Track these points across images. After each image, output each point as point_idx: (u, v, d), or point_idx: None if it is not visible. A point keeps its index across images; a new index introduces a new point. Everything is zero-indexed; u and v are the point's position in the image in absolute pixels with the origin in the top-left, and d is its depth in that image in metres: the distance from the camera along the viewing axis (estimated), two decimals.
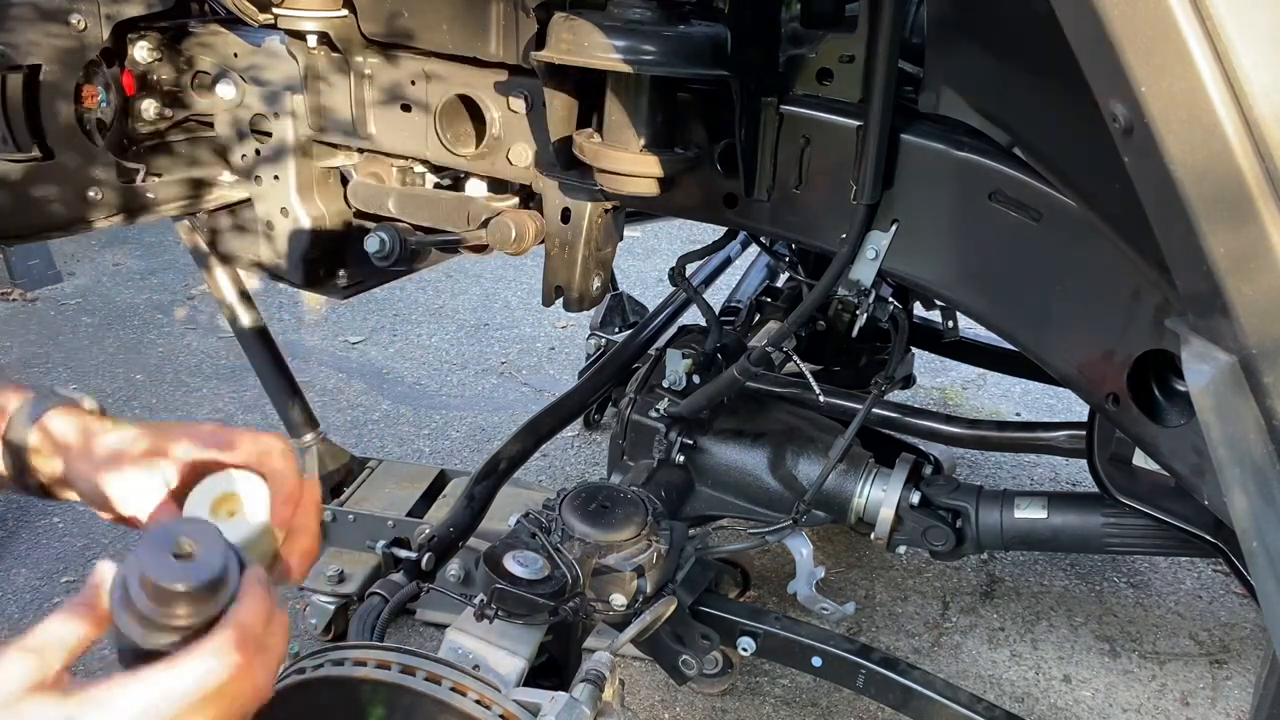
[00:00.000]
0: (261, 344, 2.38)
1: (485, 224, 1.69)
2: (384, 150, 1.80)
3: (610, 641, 1.54)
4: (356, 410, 3.42)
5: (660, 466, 2.00)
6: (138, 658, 0.70)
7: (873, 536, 1.94)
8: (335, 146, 1.85)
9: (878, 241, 1.43)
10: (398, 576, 1.77)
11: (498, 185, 1.77)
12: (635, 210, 1.79)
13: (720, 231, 2.17)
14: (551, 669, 1.74)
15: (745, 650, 1.81)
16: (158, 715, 0.68)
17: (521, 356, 3.83)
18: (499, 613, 1.53)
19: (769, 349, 1.73)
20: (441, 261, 1.99)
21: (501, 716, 1.30)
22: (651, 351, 2.26)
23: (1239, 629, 2.49)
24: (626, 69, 1.32)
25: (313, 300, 4.09)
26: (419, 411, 3.42)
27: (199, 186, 1.93)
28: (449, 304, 4.24)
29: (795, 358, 1.80)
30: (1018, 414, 3.45)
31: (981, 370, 3.45)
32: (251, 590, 0.75)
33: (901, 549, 1.96)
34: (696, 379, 2.06)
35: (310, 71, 1.77)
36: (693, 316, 2.47)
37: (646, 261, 4.57)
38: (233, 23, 1.82)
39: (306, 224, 1.86)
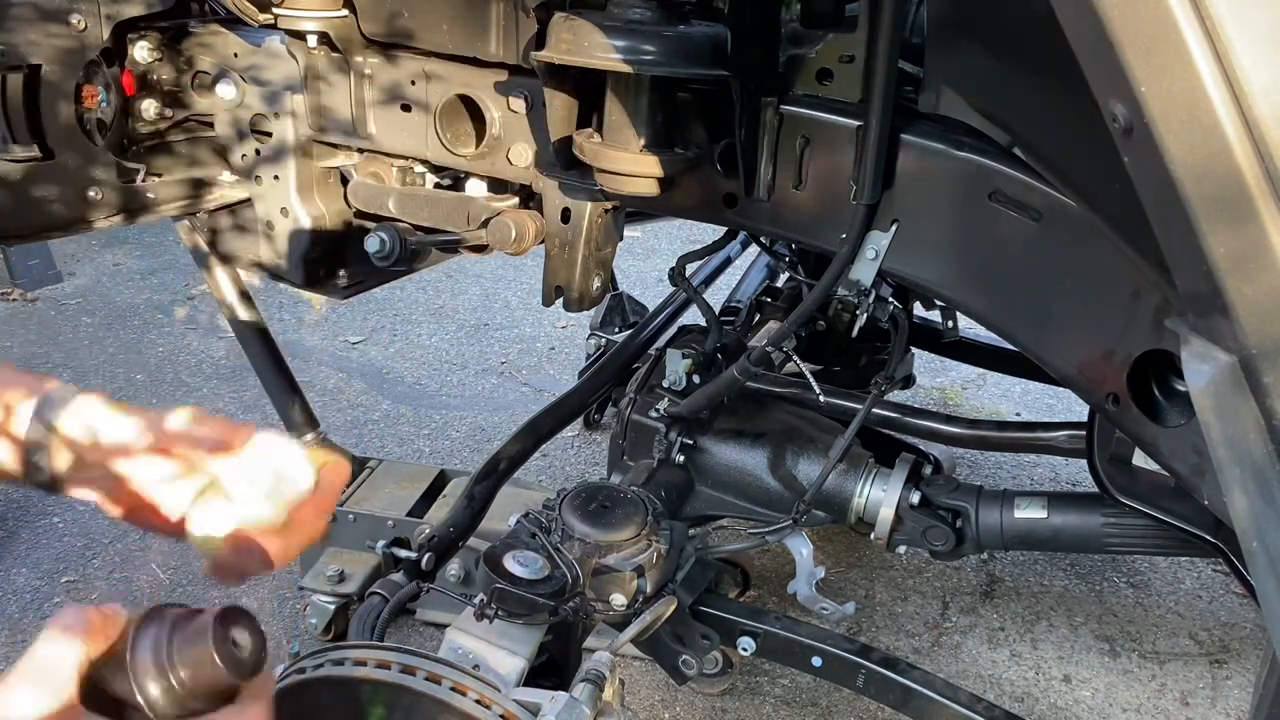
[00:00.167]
0: (261, 344, 2.38)
1: (485, 224, 1.69)
2: (384, 150, 1.80)
3: (610, 641, 1.54)
4: (356, 410, 3.42)
5: (660, 466, 2.00)
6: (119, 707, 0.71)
7: (873, 536, 1.94)
8: (335, 146, 1.85)
9: (878, 241, 1.43)
10: (398, 576, 1.77)
11: (498, 185, 1.77)
12: (635, 210, 1.79)
13: (720, 231, 2.17)
14: (551, 669, 1.74)
15: (745, 650, 1.81)
16: None
17: (521, 356, 3.83)
18: (499, 612, 1.53)
19: (769, 349, 1.73)
20: (441, 261, 2.00)
21: (501, 716, 1.30)
22: (651, 351, 2.26)
23: (1239, 629, 2.49)
24: (626, 69, 1.32)
25: (313, 300, 4.09)
26: (419, 411, 3.42)
27: (199, 186, 1.93)
28: (449, 304, 4.24)
29: (795, 358, 1.80)
30: (1018, 414, 3.45)
31: (981, 370, 3.45)
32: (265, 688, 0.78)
33: (901, 549, 1.96)
34: (696, 379, 2.06)
35: (310, 71, 1.77)
36: (693, 316, 2.47)
37: (646, 261, 4.57)
38: (233, 23, 1.82)
39: (306, 224, 1.86)
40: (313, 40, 1.69)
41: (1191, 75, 0.70)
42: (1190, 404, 0.87)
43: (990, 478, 3.07)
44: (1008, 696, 2.29)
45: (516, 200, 1.74)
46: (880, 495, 1.90)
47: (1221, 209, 0.74)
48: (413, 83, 1.71)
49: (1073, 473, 3.07)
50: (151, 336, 3.90)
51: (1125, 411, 1.22)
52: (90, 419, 0.87)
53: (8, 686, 0.68)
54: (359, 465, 2.57)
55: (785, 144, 1.46)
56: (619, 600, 1.57)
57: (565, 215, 1.61)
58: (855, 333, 1.77)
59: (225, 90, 1.83)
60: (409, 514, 2.38)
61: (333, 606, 2.32)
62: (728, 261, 2.83)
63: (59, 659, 0.69)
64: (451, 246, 1.78)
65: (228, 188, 1.95)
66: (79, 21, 1.65)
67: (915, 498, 1.89)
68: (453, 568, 2.10)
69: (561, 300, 1.67)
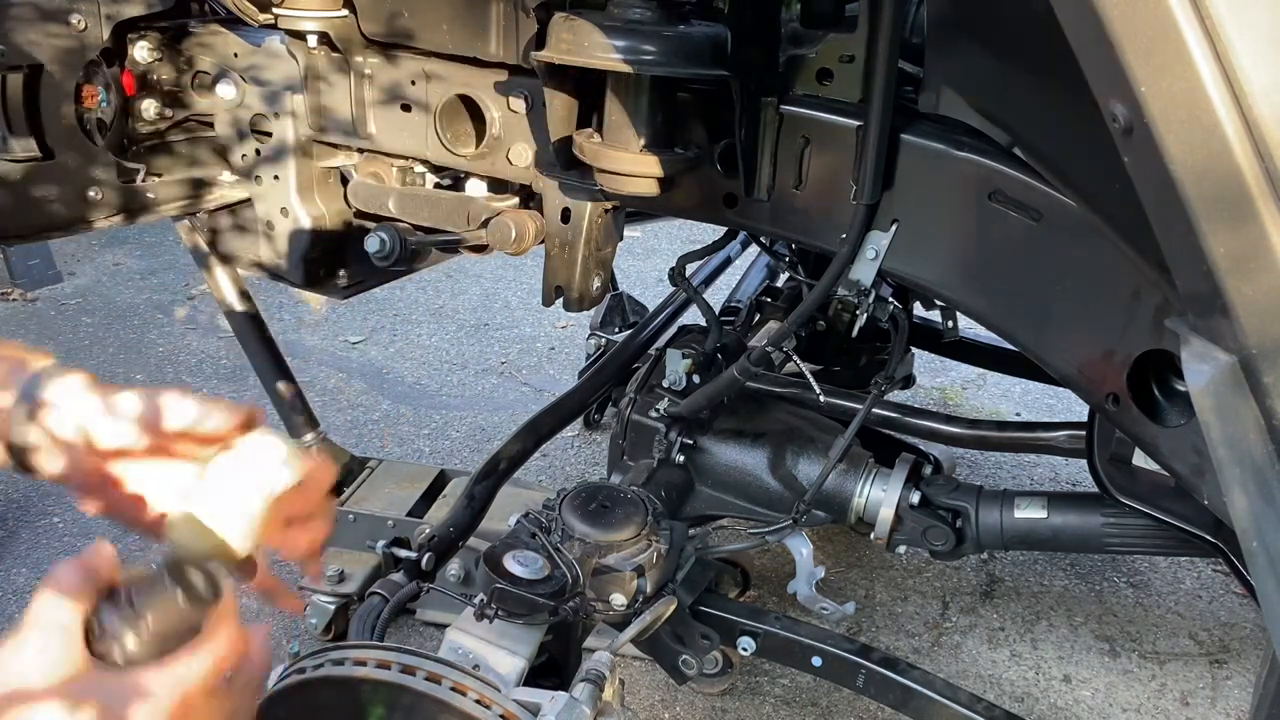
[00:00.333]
0: (261, 344, 2.38)
1: (485, 224, 1.69)
2: (384, 150, 1.80)
3: (610, 641, 1.54)
4: (356, 410, 3.42)
5: (660, 466, 2.00)
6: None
7: (873, 536, 1.94)
8: (335, 146, 1.85)
9: (878, 241, 1.43)
10: (398, 576, 1.77)
11: (498, 185, 1.77)
12: (635, 210, 1.79)
13: (720, 231, 2.17)
14: (551, 669, 1.74)
15: (745, 650, 1.81)
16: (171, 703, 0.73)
17: (521, 356, 3.83)
18: (499, 612, 1.53)
19: (769, 349, 1.73)
20: (441, 261, 1.99)
21: (501, 716, 1.30)
22: (651, 351, 2.26)
23: (1239, 629, 2.49)
24: (626, 69, 1.32)
25: (313, 300, 4.09)
26: (419, 411, 3.42)
27: (199, 186, 1.93)
28: (449, 304, 4.24)
29: (795, 358, 1.80)
30: (1018, 414, 3.45)
31: (981, 370, 3.45)
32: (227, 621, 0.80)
33: (901, 549, 1.96)
34: (696, 379, 2.06)
35: (310, 71, 1.77)
36: (693, 316, 2.47)
37: (646, 261, 4.57)
38: (233, 23, 1.82)
39: (306, 224, 1.86)
40: (313, 40, 1.69)
41: (1191, 75, 0.70)
42: (1190, 404, 0.87)
43: (990, 478, 3.07)
44: (1008, 696, 2.29)
45: (516, 200, 1.74)
46: (880, 495, 1.90)
47: (1221, 209, 0.74)
48: (413, 83, 1.71)
49: (1073, 473, 3.07)
50: (151, 336, 3.90)
51: (1125, 411, 1.22)
52: (76, 403, 0.86)
53: (15, 644, 0.71)
54: (359, 465, 2.57)
55: (785, 144, 1.46)
56: (619, 600, 1.57)
57: (565, 215, 1.61)
58: (855, 333, 1.77)
59: (225, 90, 1.83)
60: (409, 514, 2.38)
61: (333, 606, 2.32)
62: (728, 261, 2.83)
63: (62, 615, 0.72)
64: (451, 246, 1.78)
65: (228, 188, 1.95)
66: (79, 21, 1.65)
67: (915, 498, 1.89)
68: (453, 568, 2.10)
69: (561, 300, 1.67)
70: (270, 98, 1.81)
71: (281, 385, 2.41)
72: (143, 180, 1.84)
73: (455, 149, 1.71)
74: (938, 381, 3.63)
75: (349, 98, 1.76)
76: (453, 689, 1.30)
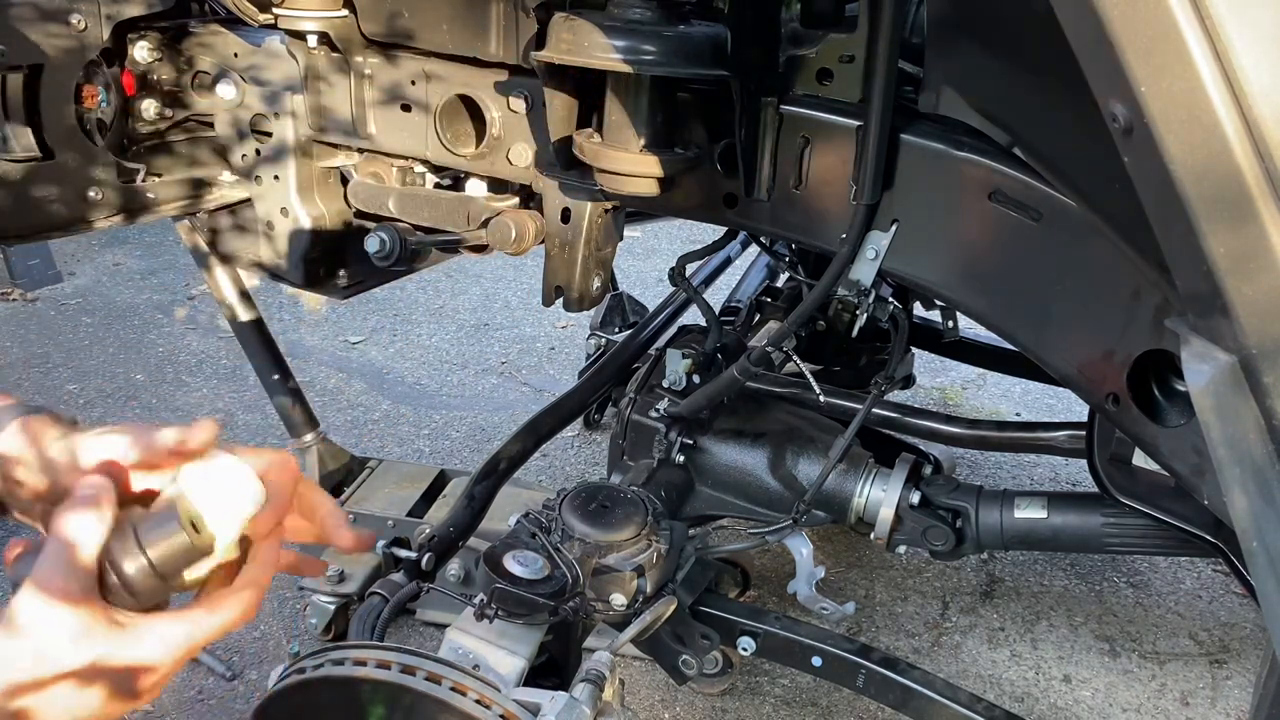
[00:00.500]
0: (261, 344, 2.38)
1: (485, 224, 1.69)
2: (384, 150, 1.80)
3: (610, 641, 1.54)
4: (356, 410, 3.42)
5: (660, 466, 2.00)
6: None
7: (873, 536, 1.94)
8: (335, 146, 1.85)
9: (878, 241, 1.43)
10: (398, 576, 1.77)
11: (498, 185, 1.77)
12: (635, 210, 1.79)
13: (720, 231, 2.17)
14: (551, 669, 1.74)
15: (745, 650, 1.81)
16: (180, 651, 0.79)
17: (521, 356, 3.83)
18: (499, 612, 1.53)
19: (769, 349, 1.73)
20: (441, 261, 1.99)
21: (501, 716, 1.30)
22: (651, 351, 2.26)
23: (1239, 629, 2.49)
24: (626, 69, 1.32)
25: (313, 300, 4.09)
26: (419, 411, 3.42)
27: (199, 186, 1.93)
28: (449, 304, 4.24)
29: (795, 358, 1.80)
30: (1018, 414, 3.45)
31: (981, 370, 3.45)
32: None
33: (901, 549, 1.96)
34: (696, 379, 2.06)
35: (310, 71, 1.77)
36: (693, 316, 2.47)
37: (646, 261, 4.57)
38: (233, 23, 1.82)
39: (306, 224, 1.86)
40: (313, 40, 1.69)
41: (1191, 75, 0.70)
42: (1190, 404, 0.87)
43: (990, 478, 3.07)
44: (1008, 696, 2.29)
45: (516, 200, 1.74)
46: (880, 495, 1.90)
47: (1221, 209, 0.74)
48: (413, 83, 1.71)
49: (1073, 473, 3.07)
50: (151, 337, 3.90)
51: (1125, 411, 1.22)
52: (31, 445, 0.87)
53: (35, 584, 0.74)
54: (359, 465, 2.57)
55: (785, 144, 1.46)
56: (619, 600, 1.57)
57: (565, 215, 1.61)
58: (855, 333, 1.77)
59: (225, 90, 1.83)
60: (409, 514, 2.38)
61: (333, 606, 2.32)
62: (728, 261, 2.83)
63: (92, 530, 0.76)
64: (451, 246, 1.78)
65: (228, 188, 1.95)
66: (79, 21, 1.65)
67: (915, 498, 1.89)
68: (453, 568, 2.10)
69: (561, 300, 1.67)
70: (270, 98, 1.81)
71: (281, 385, 2.41)
72: (143, 180, 1.84)
73: (455, 149, 1.71)
74: (938, 381, 3.63)
75: (349, 98, 1.76)
76: (453, 689, 1.30)
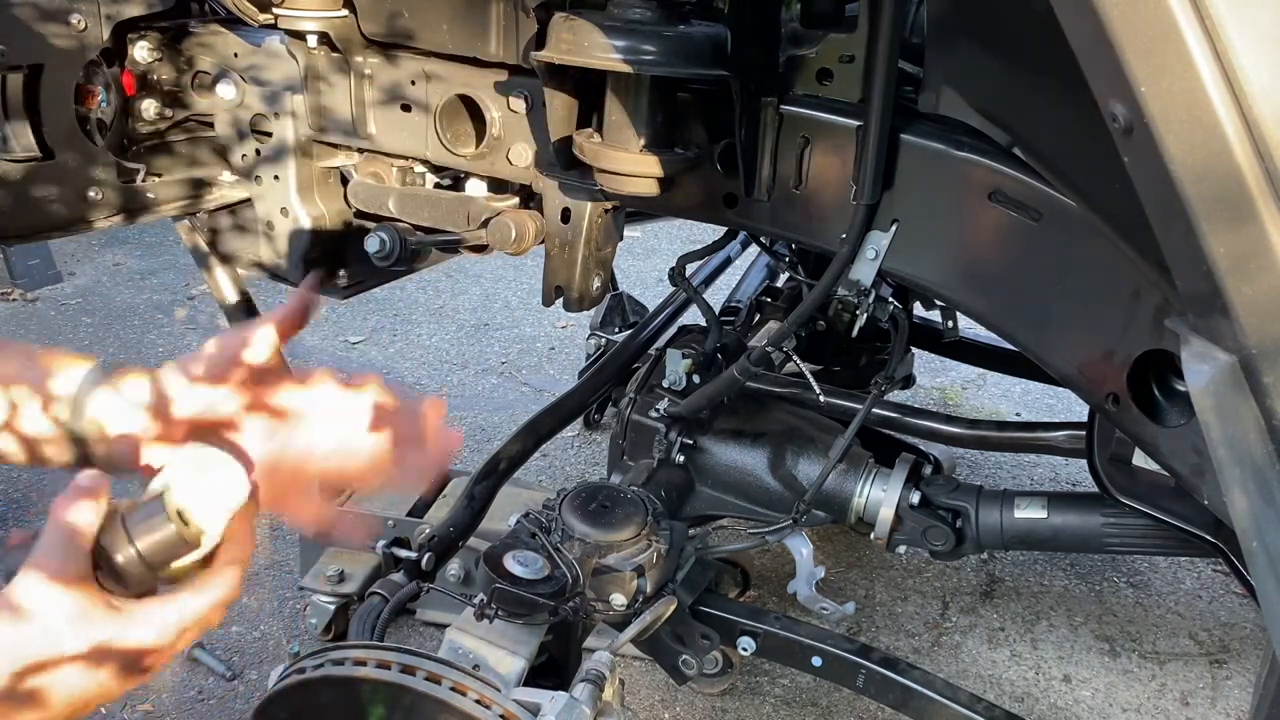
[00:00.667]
0: None
1: (485, 224, 1.69)
2: (384, 150, 1.80)
3: (610, 641, 1.54)
4: None
5: (660, 466, 2.00)
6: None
7: (873, 536, 1.94)
8: (335, 146, 1.85)
9: (878, 241, 1.43)
10: (398, 576, 1.77)
11: (498, 185, 1.77)
12: (635, 210, 1.79)
13: (720, 231, 2.17)
14: (551, 669, 1.74)
15: (745, 650, 1.81)
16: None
17: (521, 356, 3.83)
18: (499, 612, 1.53)
19: (769, 349, 1.73)
20: (441, 261, 1.99)
21: (501, 716, 1.30)
22: (651, 351, 2.26)
23: (1239, 629, 2.49)
24: (626, 69, 1.32)
25: None
26: None
27: (199, 186, 1.93)
28: (449, 304, 4.24)
29: (795, 358, 1.80)
30: (1018, 414, 3.45)
31: (981, 370, 3.45)
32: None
33: (901, 549, 1.96)
34: (696, 379, 2.06)
35: (310, 71, 1.77)
36: (693, 316, 2.47)
37: (646, 261, 4.57)
38: (233, 23, 1.82)
39: (306, 224, 1.86)
40: (313, 40, 1.69)
41: (1191, 75, 0.70)
42: (1190, 404, 0.87)
43: (990, 478, 3.07)
44: (1008, 696, 2.29)
45: (516, 200, 1.74)
46: (880, 495, 1.90)
47: (1221, 209, 0.74)
48: (413, 83, 1.71)
49: (1073, 473, 3.07)
50: (151, 336, 3.90)
51: (1125, 411, 1.22)
52: (134, 395, 0.97)
53: (36, 567, 0.78)
54: None
55: (785, 144, 1.46)
56: (619, 600, 1.57)
57: (565, 215, 1.61)
58: (855, 333, 1.77)
59: (225, 90, 1.83)
60: (409, 514, 2.37)
61: (333, 606, 2.32)
62: (728, 261, 2.83)
63: (76, 539, 0.80)
64: (451, 246, 1.78)
65: (228, 188, 1.95)
66: (79, 21, 1.65)
67: (915, 498, 1.89)
68: (453, 568, 2.10)
69: (561, 300, 1.67)
70: (270, 98, 1.81)
71: None
72: (143, 180, 1.84)
73: (455, 149, 1.71)
74: (938, 381, 3.63)
75: (349, 98, 1.76)
76: (453, 689, 1.30)
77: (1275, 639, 0.83)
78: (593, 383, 2.42)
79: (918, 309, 2.47)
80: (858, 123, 1.37)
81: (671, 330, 2.43)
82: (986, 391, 3.59)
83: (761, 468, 1.99)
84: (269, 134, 1.83)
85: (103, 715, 2.17)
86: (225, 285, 2.27)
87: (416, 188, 1.84)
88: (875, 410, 1.91)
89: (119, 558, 0.81)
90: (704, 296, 2.27)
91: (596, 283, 1.68)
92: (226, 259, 2.12)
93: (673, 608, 1.59)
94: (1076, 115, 0.98)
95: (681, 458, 2.00)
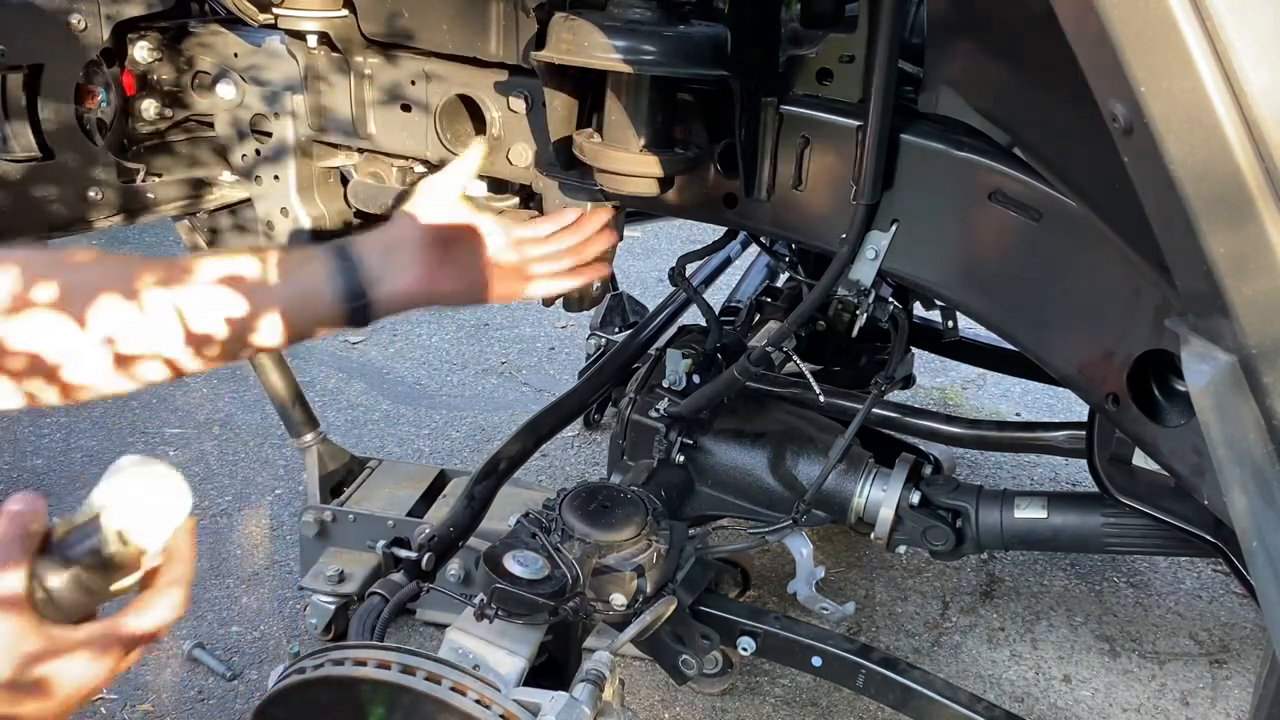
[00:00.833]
0: None
1: None
2: (384, 150, 1.80)
3: (610, 641, 1.54)
4: (356, 410, 3.42)
5: (660, 466, 2.00)
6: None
7: (873, 536, 1.94)
8: (335, 146, 1.85)
9: (878, 241, 1.43)
10: (398, 576, 1.77)
11: (498, 185, 1.77)
12: (635, 210, 1.79)
13: (720, 231, 2.17)
14: (551, 669, 1.74)
15: (745, 650, 1.81)
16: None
17: (521, 356, 3.83)
18: (499, 612, 1.53)
19: (769, 349, 1.73)
20: None
21: (501, 716, 1.30)
22: (651, 351, 2.26)
23: (1239, 629, 2.49)
24: (626, 69, 1.32)
25: None
26: (419, 411, 3.42)
27: (199, 186, 1.93)
28: None
29: (795, 358, 1.80)
30: (1018, 414, 3.45)
31: (981, 370, 3.45)
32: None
33: (901, 549, 1.96)
34: (696, 379, 2.06)
35: (310, 71, 1.77)
36: (693, 316, 2.47)
37: (646, 261, 4.57)
38: (233, 23, 1.82)
39: (306, 224, 1.86)
40: (313, 40, 1.69)
41: (1191, 75, 0.70)
42: (1190, 404, 0.87)
43: (990, 478, 3.07)
44: (1008, 696, 2.29)
45: (516, 200, 1.74)
46: (880, 495, 1.90)
47: (1221, 209, 0.74)
48: (413, 83, 1.71)
49: (1073, 473, 3.07)
50: None
51: (1125, 411, 1.22)
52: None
53: None
54: (359, 465, 2.57)
55: (785, 144, 1.46)
56: (619, 600, 1.58)
57: None
58: (855, 333, 1.77)
59: (225, 90, 1.83)
60: (409, 514, 2.38)
61: (333, 606, 2.32)
62: (728, 261, 2.83)
63: (5, 564, 0.76)
64: None
65: (228, 188, 1.95)
66: (79, 21, 1.65)
67: (915, 498, 1.89)
68: (453, 568, 2.10)
69: (561, 300, 1.67)
70: (270, 98, 1.81)
71: (281, 385, 2.41)
72: (143, 180, 1.84)
73: (455, 149, 1.71)
74: (938, 381, 3.63)
75: (349, 98, 1.76)
76: (452, 689, 1.30)
77: (1275, 639, 0.83)
78: (593, 383, 2.42)
79: (918, 309, 2.47)
80: (858, 123, 1.37)
81: (671, 330, 2.43)
82: (986, 391, 3.59)
83: (761, 468, 1.99)
84: (269, 134, 1.83)
85: (103, 715, 2.17)
86: None
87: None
88: (875, 410, 1.91)
89: (53, 582, 0.77)
90: (704, 296, 2.27)
91: (596, 283, 1.68)
92: None
93: (673, 608, 1.60)
94: (1076, 115, 0.98)
95: (681, 458, 2.00)
